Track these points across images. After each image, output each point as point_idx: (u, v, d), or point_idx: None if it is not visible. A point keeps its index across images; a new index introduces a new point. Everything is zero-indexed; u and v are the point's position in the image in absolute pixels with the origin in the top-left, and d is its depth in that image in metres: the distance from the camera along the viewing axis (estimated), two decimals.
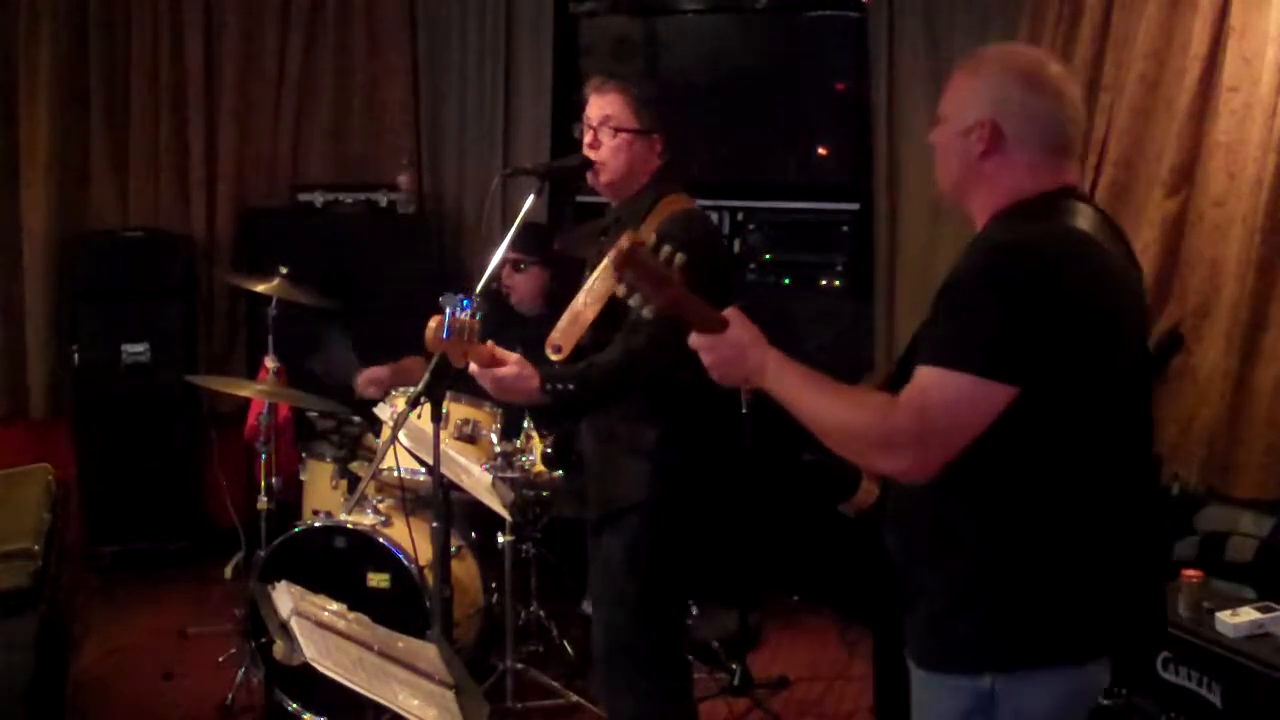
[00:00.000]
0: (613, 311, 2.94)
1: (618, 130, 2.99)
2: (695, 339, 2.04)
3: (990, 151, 2.02)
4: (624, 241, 1.90)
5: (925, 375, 1.88)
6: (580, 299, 3.00)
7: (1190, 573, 3.20)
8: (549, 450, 3.15)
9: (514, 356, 2.89)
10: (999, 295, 1.86)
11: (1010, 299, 1.85)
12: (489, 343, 2.88)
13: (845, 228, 5.11)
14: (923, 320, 2.04)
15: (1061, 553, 1.94)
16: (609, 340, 2.94)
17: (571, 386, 2.88)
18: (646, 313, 1.96)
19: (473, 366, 2.86)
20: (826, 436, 1.99)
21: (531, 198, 3.02)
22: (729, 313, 2.03)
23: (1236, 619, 2.99)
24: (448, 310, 2.70)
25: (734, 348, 2.02)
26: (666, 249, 1.94)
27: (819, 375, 2.03)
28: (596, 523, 3.06)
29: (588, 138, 3.03)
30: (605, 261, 2.99)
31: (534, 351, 3.03)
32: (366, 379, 4.24)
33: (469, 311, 2.71)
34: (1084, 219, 1.99)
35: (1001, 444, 1.86)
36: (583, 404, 2.96)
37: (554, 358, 2.97)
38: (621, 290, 1.94)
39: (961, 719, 1.98)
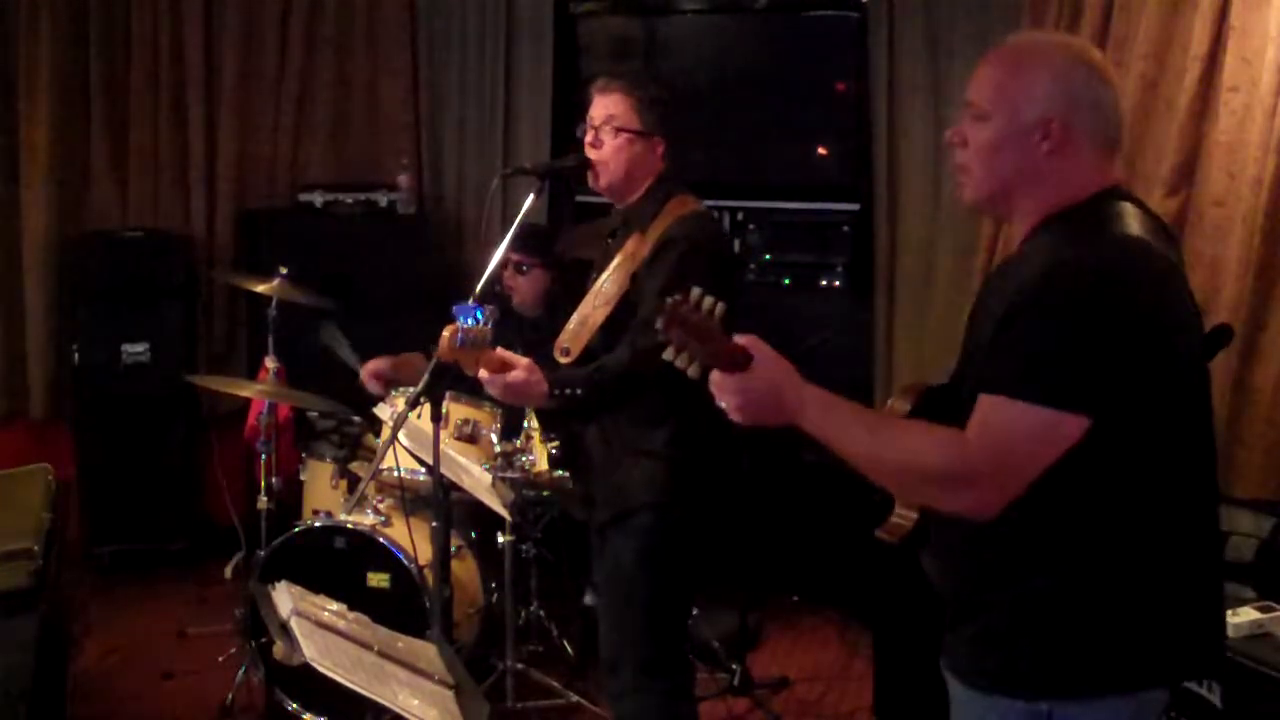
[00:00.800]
0: (621, 314, 2.95)
1: (619, 130, 2.99)
2: (719, 379, 1.87)
3: (1058, 149, 1.88)
4: (668, 302, 1.78)
5: (995, 408, 1.77)
6: (588, 302, 3.01)
7: None
8: (555, 451, 3.16)
9: (524, 361, 2.90)
10: (1066, 321, 1.76)
11: (1080, 325, 1.75)
12: (497, 348, 2.88)
13: (845, 228, 5.11)
14: (970, 334, 1.96)
15: (1129, 579, 1.86)
16: (617, 343, 2.94)
17: (579, 391, 2.89)
18: (693, 372, 1.83)
19: (482, 373, 2.87)
20: (883, 477, 1.88)
21: (531, 197, 3.02)
22: (749, 342, 1.87)
23: (1236, 619, 2.98)
24: (461, 319, 2.71)
25: (766, 387, 1.86)
26: (708, 300, 1.81)
27: (866, 410, 1.93)
28: (604, 523, 3.07)
29: (589, 137, 3.03)
30: (614, 263, 3.00)
31: (533, 353, 3.03)
32: (369, 373, 4.23)
33: (483, 321, 2.72)
34: (1135, 222, 1.89)
35: (1072, 469, 1.78)
36: (591, 407, 2.96)
37: (562, 360, 2.98)
38: (669, 354, 1.81)
39: None
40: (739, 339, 1.87)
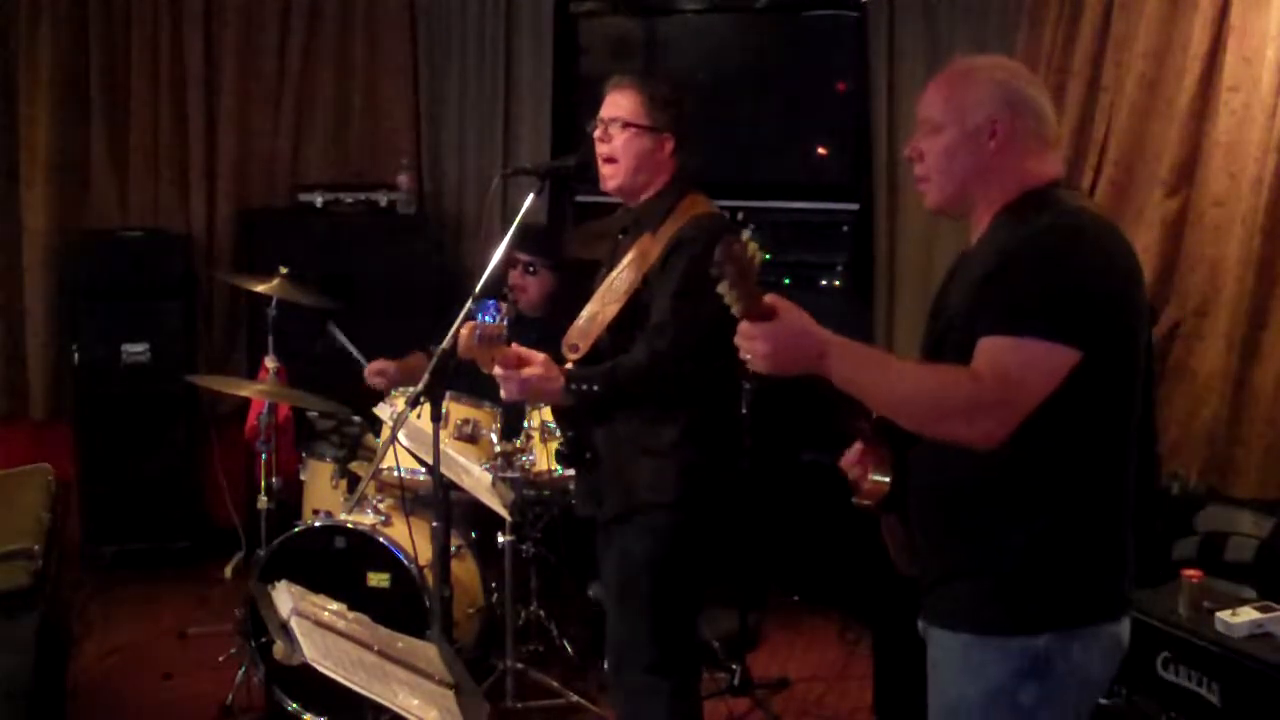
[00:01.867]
0: (630, 312, 2.95)
1: (626, 125, 2.99)
2: (748, 328, 2.00)
3: (1003, 146, 2.12)
4: (724, 240, 1.93)
5: (995, 344, 1.96)
6: (598, 299, 3.01)
7: (1190, 573, 3.20)
8: (562, 449, 3.16)
9: (540, 357, 2.90)
10: (1055, 268, 1.98)
11: (1066, 271, 1.98)
12: (513, 345, 2.89)
13: (845, 228, 5.11)
14: (936, 308, 2.19)
15: (1100, 515, 2.07)
16: (625, 341, 2.94)
17: (596, 387, 2.90)
18: (737, 310, 1.97)
19: (497, 369, 2.87)
20: (899, 410, 2.03)
21: (531, 197, 3.02)
22: (771, 299, 2.02)
23: (1236, 619, 2.99)
24: (480, 317, 2.73)
25: (793, 332, 2.01)
26: (753, 245, 1.96)
27: (881, 352, 2.13)
28: (613, 520, 3.07)
29: (598, 132, 3.03)
30: (625, 261, 3.00)
31: (536, 350, 3.03)
32: (373, 370, 4.23)
33: (498, 317, 2.74)
34: (1087, 202, 2.16)
35: (1051, 413, 1.96)
36: (607, 404, 2.96)
37: (571, 356, 2.98)
38: (723, 287, 1.94)
39: (1012, 679, 2.06)
40: (766, 298, 2.02)
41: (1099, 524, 2.07)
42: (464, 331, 2.76)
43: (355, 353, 4.22)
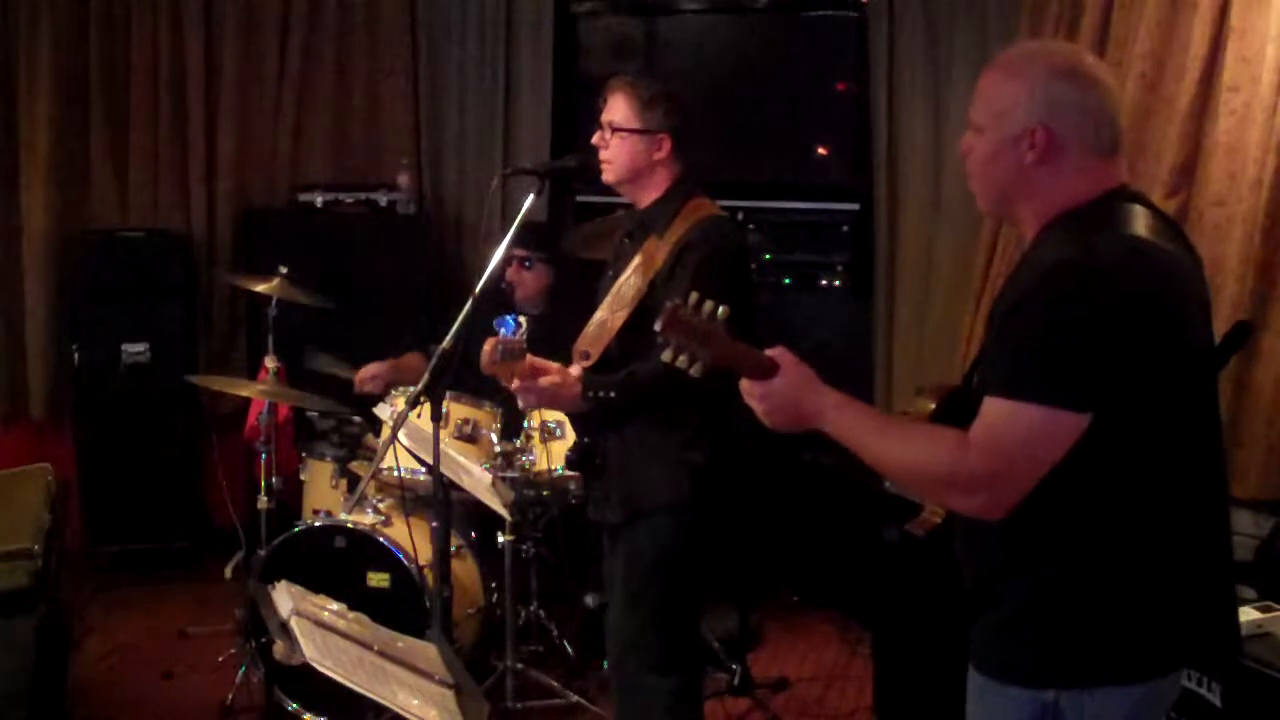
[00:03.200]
0: (639, 318, 2.95)
1: (618, 130, 3.00)
2: (747, 385, 1.97)
3: (1044, 158, 1.93)
4: (667, 305, 1.88)
5: (995, 410, 1.82)
6: (606, 306, 3.02)
7: None
8: (571, 454, 3.16)
9: (555, 366, 2.93)
10: (1062, 320, 1.79)
11: (1074, 323, 1.78)
12: (528, 356, 2.90)
13: (845, 228, 5.11)
14: (986, 338, 1.99)
15: (1133, 569, 1.90)
16: (636, 347, 2.95)
17: (614, 394, 2.91)
18: (695, 371, 1.91)
19: (515, 383, 2.89)
20: (895, 477, 1.97)
21: (531, 197, 3.03)
22: (776, 353, 1.96)
23: (1238, 619, 2.99)
24: (501, 332, 2.74)
25: (787, 392, 1.95)
26: (708, 305, 1.89)
27: (880, 414, 2.02)
28: (623, 524, 3.07)
29: (596, 137, 3.05)
30: (631, 266, 3.00)
31: (536, 348, 3.04)
32: (365, 375, 4.24)
33: (517, 331, 2.75)
34: (1140, 222, 1.91)
35: (1075, 464, 1.81)
36: (625, 411, 2.97)
37: (582, 364, 2.99)
38: (668, 355, 1.90)
39: None
40: (769, 351, 1.96)
41: (1120, 578, 1.89)
42: (486, 348, 2.77)
43: (343, 371, 4.22)
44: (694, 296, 1.89)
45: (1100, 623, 1.90)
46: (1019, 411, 1.79)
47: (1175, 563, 1.93)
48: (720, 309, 1.89)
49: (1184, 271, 1.94)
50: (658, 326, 1.88)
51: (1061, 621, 1.91)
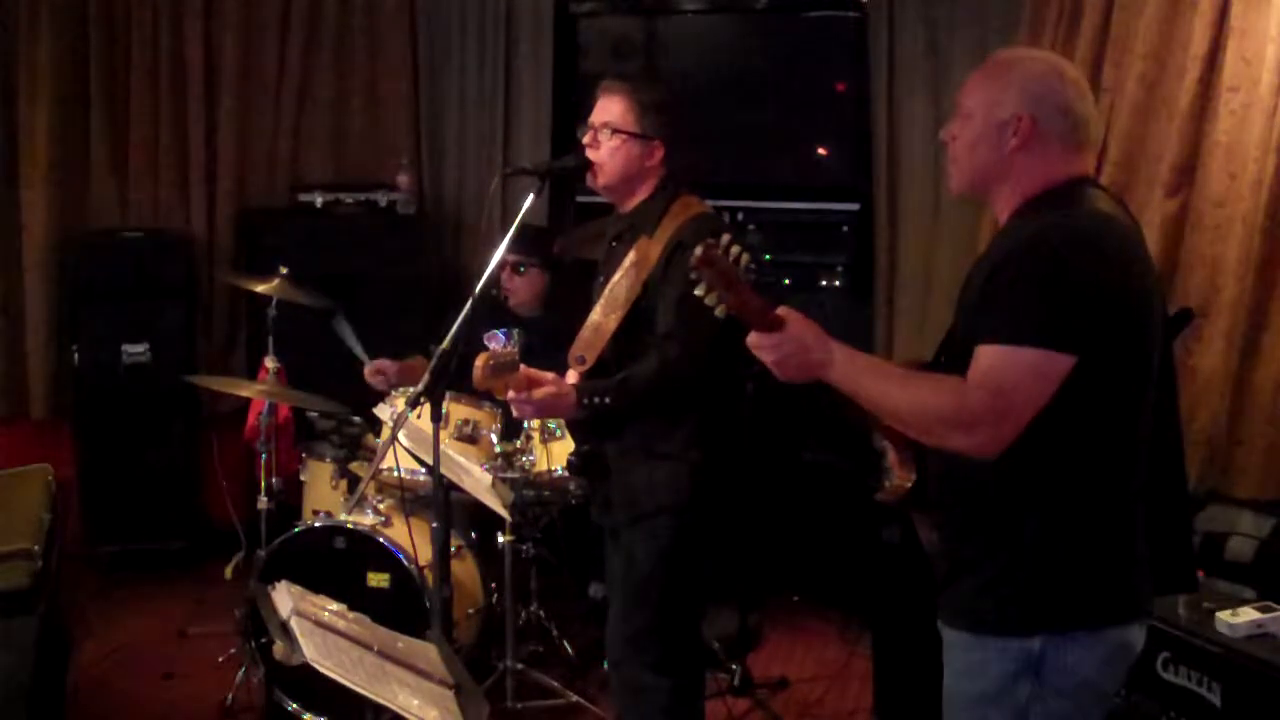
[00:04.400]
0: (634, 320, 2.95)
1: (615, 132, 2.99)
2: (756, 338, 2.09)
3: (1024, 145, 2.12)
4: (701, 245, 1.98)
5: (991, 354, 1.98)
6: (600, 309, 3.01)
7: None
8: (573, 459, 3.16)
9: (550, 376, 2.92)
10: (1050, 272, 1.97)
11: (1061, 275, 1.96)
12: (521, 366, 2.90)
13: (845, 228, 5.11)
14: (959, 308, 2.16)
15: (1103, 519, 2.07)
16: (632, 349, 2.94)
17: (609, 400, 2.91)
18: (719, 312, 2.03)
19: (510, 394, 2.89)
20: (900, 420, 2.09)
21: (531, 197, 3.02)
22: (783, 311, 2.09)
23: (1236, 619, 2.99)
24: (493, 347, 2.74)
25: (798, 343, 2.08)
26: (736, 249, 2.00)
27: (885, 363, 2.18)
28: (620, 526, 3.07)
29: (587, 138, 3.03)
30: (623, 268, 3.00)
31: (534, 354, 3.04)
32: (373, 369, 4.23)
33: (509, 344, 2.75)
34: (1103, 202, 2.12)
35: (1050, 416, 1.97)
36: (620, 415, 2.96)
37: (578, 368, 2.98)
38: (701, 289, 2.00)
39: (1008, 679, 2.08)
40: (778, 310, 2.09)
41: (1097, 527, 2.07)
42: (478, 364, 2.77)
43: (359, 350, 4.22)
44: (725, 238, 2.00)
45: (1080, 569, 2.06)
46: (1015, 354, 1.96)
47: (1137, 511, 2.11)
48: (744, 255, 2.01)
49: (1140, 243, 2.15)
50: (693, 262, 1.98)
51: (1044, 570, 2.06)
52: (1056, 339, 1.95)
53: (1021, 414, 1.96)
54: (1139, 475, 2.11)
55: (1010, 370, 1.96)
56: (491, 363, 2.75)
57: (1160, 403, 2.13)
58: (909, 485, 2.27)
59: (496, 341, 2.78)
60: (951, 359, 2.12)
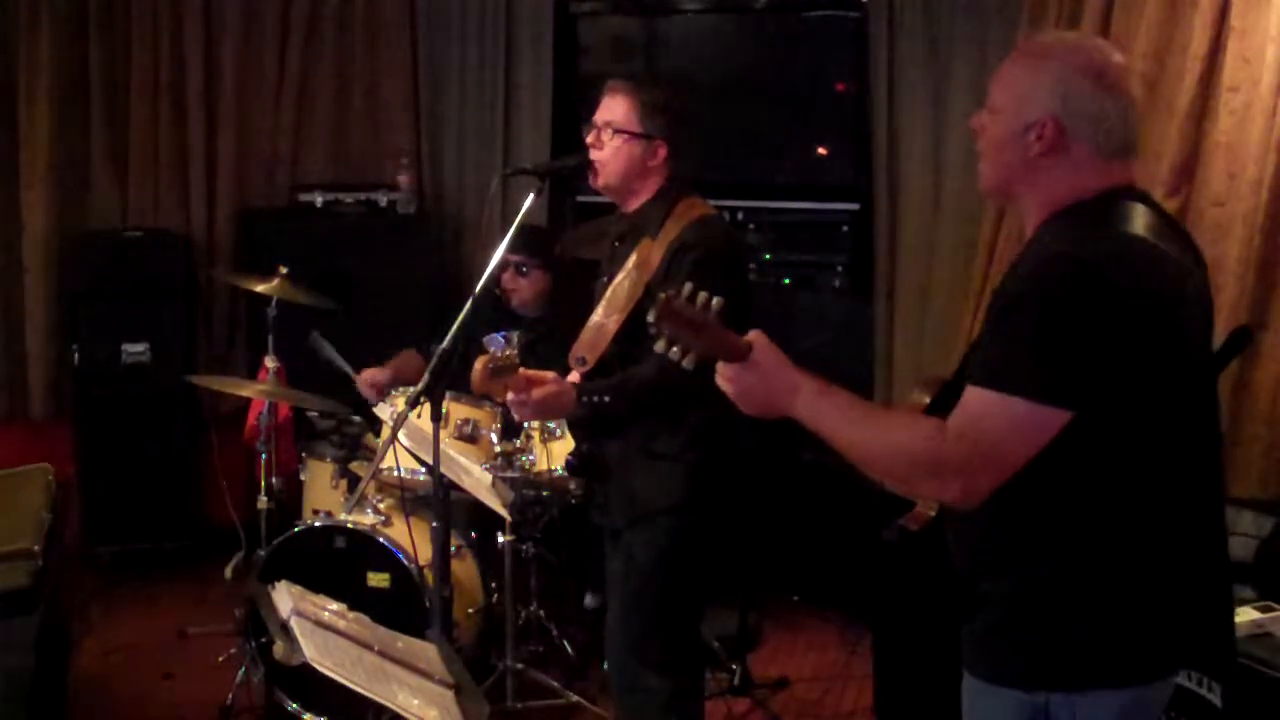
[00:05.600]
0: (635, 322, 2.95)
1: (619, 132, 2.99)
2: (721, 368, 1.95)
3: (1050, 151, 1.94)
4: (660, 296, 1.86)
5: (976, 400, 1.82)
6: (602, 310, 3.01)
7: None
8: (571, 459, 3.16)
9: (550, 375, 2.92)
10: (1051, 315, 1.79)
11: (1063, 320, 1.78)
12: (520, 368, 2.90)
13: (845, 228, 5.10)
14: (982, 330, 1.98)
15: (1125, 571, 1.90)
16: (633, 350, 2.95)
17: (608, 399, 2.90)
18: (687, 363, 1.89)
19: (509, 396, 2.89)
20: (868, 464, 1.93)
21: (531, 197, 3.02)
22: (753, 336, 1.95)
23: (1237, 619, 2.98)
24: (492, 350, 2.73)
25: (756, 376, 1.94)
26: (701, 296, 1.88)
27: (856, 400, 1.96)
28: (620, 527, 3.07)
29: (590, 137, 3.03)
30: (626, 269, 3.00)
31: (536, 354, 3.04)
32: (365, 381, 4.23)
33: (509, 346, 2.75)
34: (1139, 221, 1.92)
35: (1061, 462, 1.82)
36: (620, 416, 2.96)
37: (579, 369, 2.99)
38: (661, 345, 1.88)
39: None
40: (748, 335, 1.94)
41: (1112, 580, 1.89)
42: (477, 367, 2.76)
43: (342, 364, 4.21)
44: (687, 288, 1.88)
45: (1092, 625, 1.89)
46: (1000, 403, 1.79)
47: (1168, 565, 1.92)
48: (715, 300, 1.88)
49: (1181, 271, 1.92)
50: (650, 317, 1.86)
51: (1052, 623, 1.91)
52: (1049, 392, 1.77)
53: (999, 468, 1.80)
54: (1166, 528, 1.91)
55: (995, 421, 1.79)
56: (491, 366, 2.76)
57: (1198, 447, 1.94)
58: (933, 514, 2.13)
59: (495, 345, 2.78)
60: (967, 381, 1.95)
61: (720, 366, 1.95)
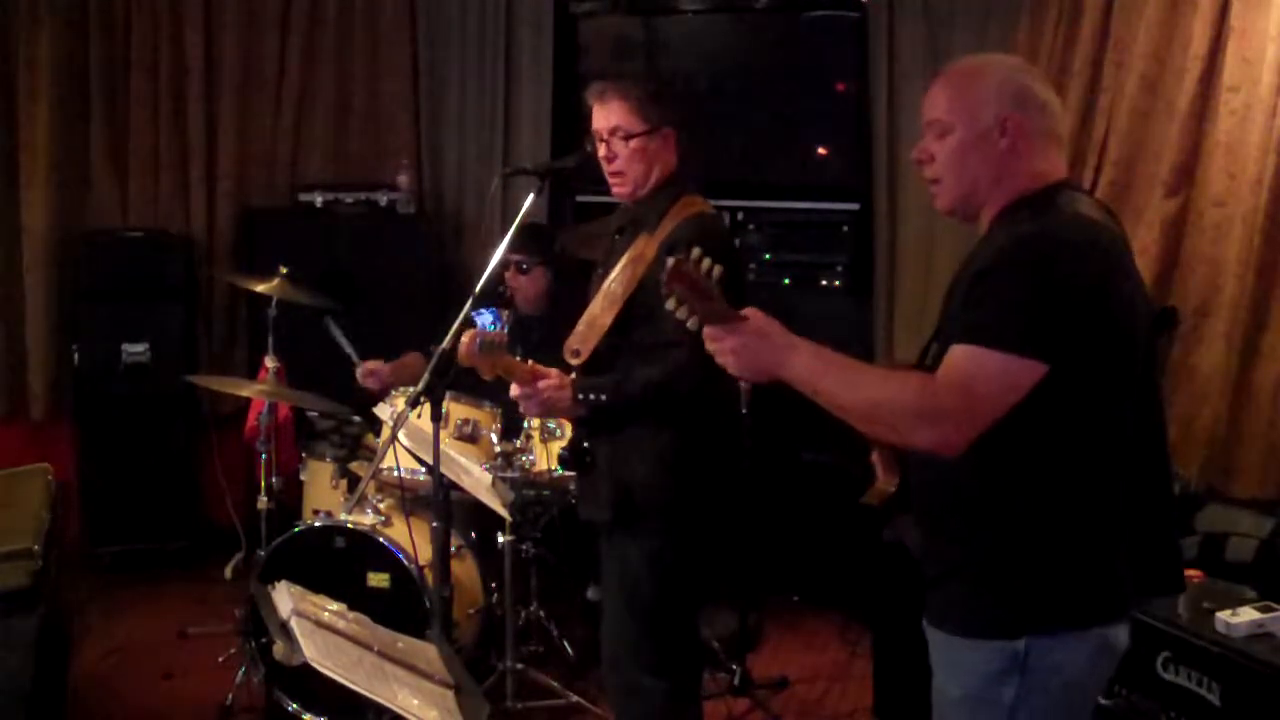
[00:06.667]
0: (628, 316, 2.95)
1: (629, 137, 2.98)
2: (712, 331, 2.04)
3: (1015, 145, 2.10)
4: (670, 260, 1.93)
5: (963, 354, 1.97)
6: (597, 303, 3.01)
7: (1190, 573, 3.20)
8: (564, 453, 3.17)
9: (554, 371, 2.92)
10: (1030, 279, 1.96)
11: (1041, 282, 1.95)
12: (529, 362, 2.90)
13: (845, 228, 5.11)
14: (944, 313, 2.13)
15: (1084, 521, 2.06)
16: (626, 344, 2.94)
17: (604, 397, 2.91)
18: (691, 324, 1.99)
19: (514, 389, 2.90)
20: (861, 414, 2.03)
21: (531, 197, 3.02)
22: (748, 311, 2.05)
23: (1236, 619, 2.99)
24: (480, 325, 2.74)
25: (755, 335, 2.03)
26: (707, 262, 1.95)
27: (850, 359, 2.08)
28: (611, 523, 3.06)
29: (602, 151, 3.02)
30: (622, 263, 3.00)
31: (538, 352, 3.04)
32: (366, 370, 4.24)
33: (498, 324, 2.75)
34: (1084, 205, 2.10)
35: (1029, 420, 1.96)
36: (617, 414, 2.96)
37: (573, 362, 2.99)
38: (671, 304, 1.96)
39: (994, 679, 2.08)
40: (744, 311, 2.05)
41: (1080, 529, 2.06)
42: (465, 339, 2.76)
43: (350, 351, 4.22)
44: (696, 252, 1.95)
45: (1062, 570, 2.06)
46: (986, 356, 1.94)
47: (1120, 514, 2.09)
48: (716, 268, 1.96)
49: (1122, 248, 2.12)
50: (664, 276, 1.93)
51: (1028, 572, 2.06)
52: (1029, 346, 1.93)
53: (985, 415, 1.95)
54: (1123, 477, 2.09)
55: (979, 371, 1.94)
56: (479, 340, 2.75)
57: (1143, 404, 2.12)
58: (892, 489, 2.26)
59: (485, 321, 2.79)
60: (936, 360, 2.09)
61: (711, 330, 2.04)
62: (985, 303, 1.98)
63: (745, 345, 2.04)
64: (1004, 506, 2.06)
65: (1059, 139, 2.16)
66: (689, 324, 1.99)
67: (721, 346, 2.05)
